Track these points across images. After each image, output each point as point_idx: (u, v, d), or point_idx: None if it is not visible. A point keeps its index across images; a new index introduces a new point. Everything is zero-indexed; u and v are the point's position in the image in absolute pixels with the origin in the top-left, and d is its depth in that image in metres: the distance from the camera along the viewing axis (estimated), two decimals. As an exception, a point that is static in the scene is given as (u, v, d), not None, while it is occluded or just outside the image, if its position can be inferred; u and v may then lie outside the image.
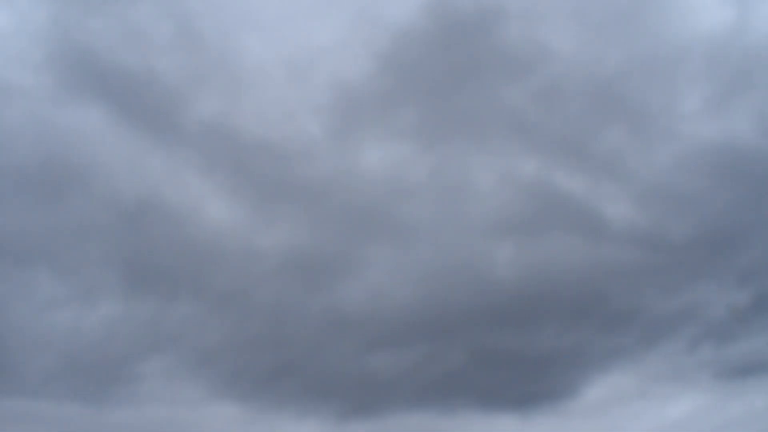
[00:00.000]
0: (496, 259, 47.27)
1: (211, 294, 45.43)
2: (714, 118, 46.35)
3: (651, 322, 46.69)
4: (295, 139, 46.58)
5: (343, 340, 45.98)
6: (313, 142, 46.62)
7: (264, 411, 43.54)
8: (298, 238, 46.60)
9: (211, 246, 45.19)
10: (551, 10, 47.05)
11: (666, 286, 46.39)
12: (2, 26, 41.33)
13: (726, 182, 45.68)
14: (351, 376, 45.15)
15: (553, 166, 47.81)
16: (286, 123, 46.50)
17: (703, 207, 45.94)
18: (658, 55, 47.17)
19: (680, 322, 46.44)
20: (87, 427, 40.57)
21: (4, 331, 40.68)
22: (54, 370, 41.20)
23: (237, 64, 45.40)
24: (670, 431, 43.70)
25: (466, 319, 46.49)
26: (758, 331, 44.09)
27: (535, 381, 46.24)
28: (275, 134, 46.42)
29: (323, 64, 46.23)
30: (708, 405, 44.45)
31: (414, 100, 48.75)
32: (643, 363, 46.50)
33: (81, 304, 43.13)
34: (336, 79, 46.52)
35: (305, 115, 47.00)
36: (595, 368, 46.16)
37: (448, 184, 47.83)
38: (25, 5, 42.20)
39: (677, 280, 46.21)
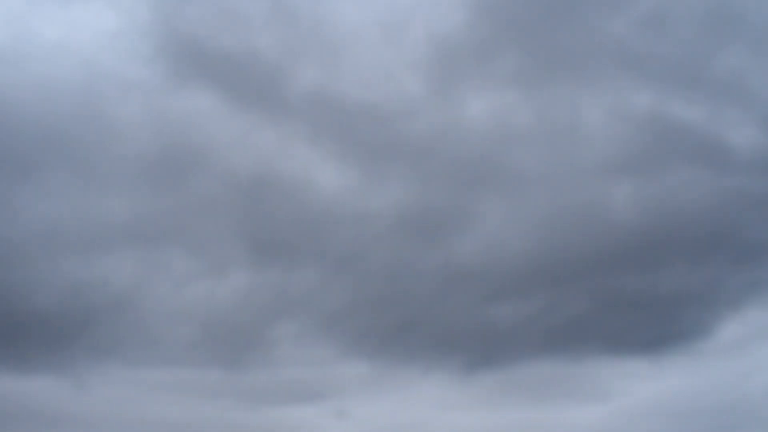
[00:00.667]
0: (614, 200, 45.76)
1: (330, 258, 47.06)
2: None
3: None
4: (396, 98, 46.80)
5: (462, 293, 46.38)
6: (415, 100, 46.65)
7: (391, 367, 45.00)
8: (409, 197, 47.13)
9: (325, 212, 46.68)
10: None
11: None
12: (112, 26, 44.04)
13: None
14: (473, 328, 45.63)
15: (667, 96, 45.38)
16: (386, 83, 46.77)
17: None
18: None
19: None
20: (228, 390, 43.66)
21: (148, 306, 44.23)
22: (194, 340, 44.41)
23: (332, 32, 46.09)
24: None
25: (587, 263, 45.52)
26: None
27: (664, 322, 44.78)
28: (376, 96, 46.81)
29: (416, 19, 46.06)
30: None
31: (512, 45, 47.53)
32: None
33: (213, 277, 46.02)
34: (431, 34, 46.17)
35: (404, 74, 47.02)
36: (728, 305, 43.94)
37: (557, 126, 46.56)
38: (128, 3, 45.02)
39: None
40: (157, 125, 45.08)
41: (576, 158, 46.65)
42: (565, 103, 46.99)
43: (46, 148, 43.18)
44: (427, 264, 47.60)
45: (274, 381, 44.76)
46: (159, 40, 44.54)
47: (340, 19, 46.38)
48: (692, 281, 44.96)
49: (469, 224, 47.61)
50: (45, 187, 43.35)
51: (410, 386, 44.62)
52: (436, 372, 45.25)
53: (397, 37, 47.41)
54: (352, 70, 47.85)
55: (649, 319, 44.96)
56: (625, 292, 45.65)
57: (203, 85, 45.86)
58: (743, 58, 43.70)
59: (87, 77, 43.54)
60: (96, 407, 41.53)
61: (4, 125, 41.99)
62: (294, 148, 47.65)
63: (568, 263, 45.60)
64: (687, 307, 44.56)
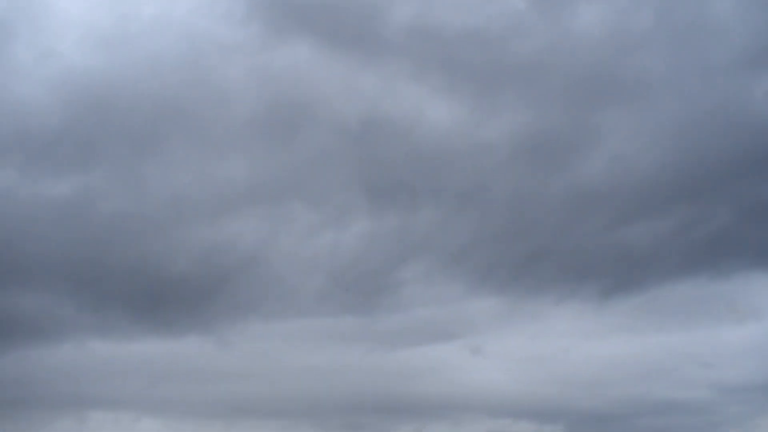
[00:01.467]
0: (754, 97, 41.15)
1: (450, 195, 45.97)
2: None
3: None
4: (499, 19, 44.10)
5: (592, 216, 43.92)
6: (519, 17, 43.79)
7: (522, 299, 43.79)
8: (525, 122, 44.72)
9: (439, 149, 45.36)
10: None
11: None
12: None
13: None
14: (606, 252, 43.22)
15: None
16: (487, 5, 44.21)
17: None
18: None
19: None
20: (363, 335, 44.45)
21: (277, 262, 45.51)
22: (325, 289, 45.29)
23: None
24: None
25: (728, 171, 41.48)
26: None
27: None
28: (478, 19, 44.32)
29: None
30: None
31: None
32: None
33: (335, 226, 46.52)
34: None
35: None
36: None
37: (680, 24, 42.28)
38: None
39: None
40: (262, 84, 45.25)
41: (705, 56, 42.31)
42: (688, -3, 42.75)
43: (162, 121, 44.62)
44: (552, 190, 45.40)
45: (406, 323, 45.04)
46: (251, -1, 44.74)
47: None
48: None
49: (593, 142, 44.68)
50: (167, 159, 45.06)
51: (544, 317, 43.44)
52: (569, 301, 43.63)
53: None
54: (449, -4, 45.85)
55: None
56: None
57: (300, 36, 45.42)
58: None
59: (188, 47, 44.09)
60: (239, 362, 43.73)
61: (121, 104, 43.69)
62: (400, 87, 46.45)
63: (706, 173, 41.89)
64: None
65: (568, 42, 43.85)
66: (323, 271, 46.29)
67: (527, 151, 45.28)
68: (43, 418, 40.82)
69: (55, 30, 42.42)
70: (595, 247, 43.16)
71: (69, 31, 42.67)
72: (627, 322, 41.67)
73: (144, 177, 44.67)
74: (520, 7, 44.12)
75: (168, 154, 45.59)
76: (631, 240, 42.81)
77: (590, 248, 43.20)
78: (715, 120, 41.12)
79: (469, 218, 46.12)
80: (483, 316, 44.05)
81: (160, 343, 43.15)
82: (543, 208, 44.86)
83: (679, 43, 42.02)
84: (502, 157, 45.65)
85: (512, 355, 43.05)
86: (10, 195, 40.76)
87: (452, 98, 46.01)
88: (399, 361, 44.12)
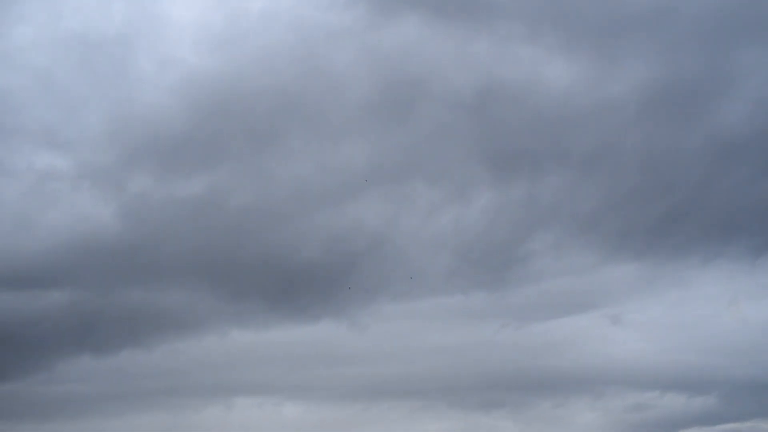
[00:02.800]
0: None
1: (576, 159, 43.55)
2: None
3: None
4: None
5: (736, 168, 39.90)
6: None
7: (663, 264, 40.64)
8: (652, 73, 41.36)
9: (561, 111, 42.99)
10: None
11: None
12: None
13: None
14: (756, 206, 39.08)
15: None
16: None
17: None
18: None
19: None
20: (494, 311, 43.27)
21: (402, 242, 45.20)
22: (452, 267, 44.43)
23: None
24: None
25: None
26: None
27: None
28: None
29: None
30: None
31: None
32: None
33: (458, 202, 45.51)
34: None
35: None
36: None
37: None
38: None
39: None
40: (373, 65, 44.91)
41: None
42: None
43: (280, 114, 45.34)
44: (689, 143, 41.76)
45: (539, 295, 43.22)
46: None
47: None
48: None
49: (731, 87, 40.46)
50: (287, 150, 45.93)
51: (688, 281, 40.06)
52: (717, 262, 39.86)
53: None
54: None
55: None
56: None
57: (406, 13, 44.37)
58: None
59: (297, 38, 44.66)
60: (372, 343, 43.93)
61: (240, 102, 44.81)
62: (514, 50, 44.41)
63: None
64: None
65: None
66: (449, 248, 45.59)
67: (658, 105, 42.02)
68: (193, 405, 43.40)
69: (172, 38, 44.46)
70: (743, 201, 39.30)
71: (185, 37, 44.54)
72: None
73: (267, 170, 45.96)
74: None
75: (288, 145, 46.59)
76: (784, 190, 38.72)
77: (737, 203, 39.43)
78: None
79: (598, 181, 43.58)
80: (621, 283, 41.60)
81: (295, 329, 44.44)
82: (680, 164, 41.54)
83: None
84: (631, 114, 42.64)
85: (655, 324, 40.47)
86: (147, 199, 43.19)
87: (570, 56, 43.38)
88: (534, 335, 42.72)
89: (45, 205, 42.41)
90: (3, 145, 40.81)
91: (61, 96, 42.36)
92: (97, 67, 42.97)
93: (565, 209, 43.54)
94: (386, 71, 44.94)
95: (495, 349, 42.74)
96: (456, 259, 45.18)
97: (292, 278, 45.46)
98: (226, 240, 45.25)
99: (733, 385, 37.93)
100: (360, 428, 43.32)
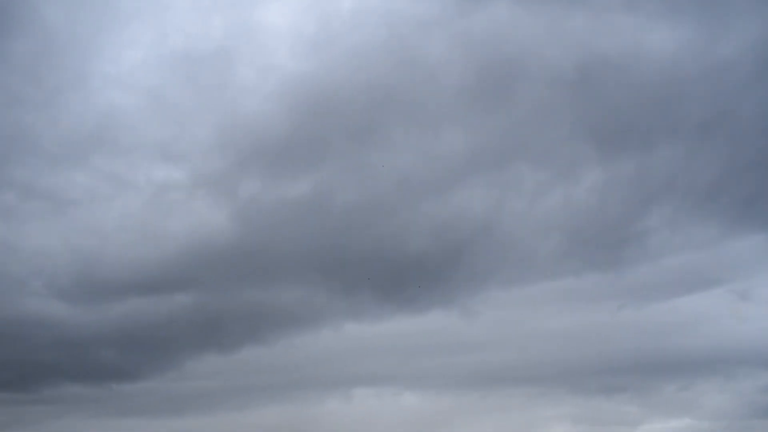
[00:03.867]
0: None
1: (689, 127, 41.05)
2: None
3: None
4: None
5: None
6: None
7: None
8: (764, 30, 38.19)
9: (669, 79, 40.57)
10: None
11: None
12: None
13: None
14: None
15: None
16: None
17: None
18: None
19: None
20: (610, 292, 41.61)
21: (509, 227, 44.25)
22: (563, 249, 43.08)
23: None
24: None
25: None
26: None
27: None
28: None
29: None
30: None
31: None
32: None
33: (565, 182, 44.05)
34: None
35: None
36: None
37: None
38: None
39: None
40: (467, 51, 44.14)
41: None
42: None
43: (378, 109, 45.41)
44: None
45: (657, 274, 41.15)
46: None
47: None
48: None
49: None
50: (388, 143, 46.12)
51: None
52: None
53: None
54: None
55: None
56: None
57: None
58: None
59: (389, 32, 44.26)
60: (485, 331, 43.49)
61: (339, 101, 45.03)
62: (613, 21, 42.41)
63: None
64: None
65: None
66: (559, 229, 44.20)
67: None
68: (314, 397, 44.87)
69: (268, 46, 45.70)
70: None
71: (280, 44, 45.74)
72: None
73: (370, 165, 46.44)
74: None
75: (388, 138, 46.77)
76: None
77: None
78: None
79: (715, 150, 40.83)
80: (747, 256, 38.77)
81: (407, 319, 44.67)
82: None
83: None
84: (745, 76, 39.59)
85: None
86: (257, 202, 44.93)
87: (673, 21, 40.88)
88: (654, 315, 40.77)
89: (165, 215, 45.14)
90: (123, 161, 43.73)
91: (171, 112, 44.62)
92: (202, 81, 45.00)
93: (681, 181, 41.23)
94: (480, 55, 44.14)
95: (613, 331, 41.24)
96: (567, 240, 43.90)
97: (401, 269, 45.89)
98: (335, 236, 46.30)
99: None
100: (479, 416, 43.21)
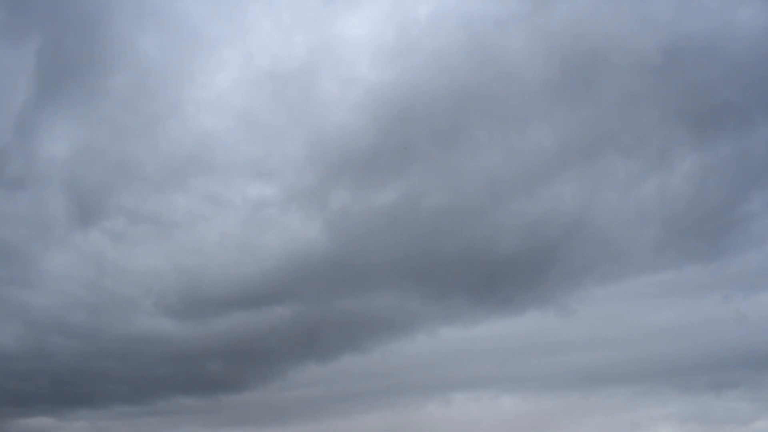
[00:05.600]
0: None
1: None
2: None
3: None
4: None
5: None
6: None
7: None
8: None
9: (761, 55, 38.10)
10: None
11: None
12: None
13: None
14: None
15: None
16: None
17: None
18: None
19: None
20: (713, 283, 39.50)
21: (603, 221, 42.88)
22: (660, 240, 41.36)
23: None
24: None
25: None
26: None
27: None
28: None
29: None
30: None
31: None
32: None
33: (659, 171, 42.32)
34: None
35: None
36: None
37: None
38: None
39: None
40: (547, 45, 43.34)
41: None
42: None
43: (462, 112, 45.34)
44: None
45: (764, 260, 38.55)
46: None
47: None
48: None
49: None
50: (474, 145, 45.78)
51: None
52: None
53: None
54: None
55: None
56: None
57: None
58: None
59: (467, 33, 44.23)
60: (583, 329, 42.30)
61: (421, 107, 45.38)
62: (697, 1, 40.75)
63: None
64: None
65: None
66: (656, 220, 42.56)
67: None
68: (413, 403, 45.05)
69: (349, 58, 46.70)
70: None
71: (361, 55, 46.66)
72: None
73: (457, 167, 46.46)
74: None
75: (474, 140, 46.62)
76: None
77: None
78: None
79: (821, 124, 38.22)
80: None
81: (503, 321, 44.26)
82: None
83: None
84: None
85: None
86: (347, 212, 45.83)
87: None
88: (763, 305, 38.27)
89: (261, 231, 46.95)
90: (219, 180, 45.78)
91: (261, 130, 46.46)
92: (288, 98, 46.63)
93: (783, 161, 38.86)
94: (561, 49, 43.18)
95: (720, 324, 39.01)
96: (664, 231, 42.16)
97: (493, 271, 45.47)
98: (426, 241, 46.45)
99: None
100: (581, 417, 42.01)
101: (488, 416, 43.04)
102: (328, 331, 47.27)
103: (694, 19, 40.44)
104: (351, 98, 46.99)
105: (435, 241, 46.20)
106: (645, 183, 42.65)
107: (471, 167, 46.55)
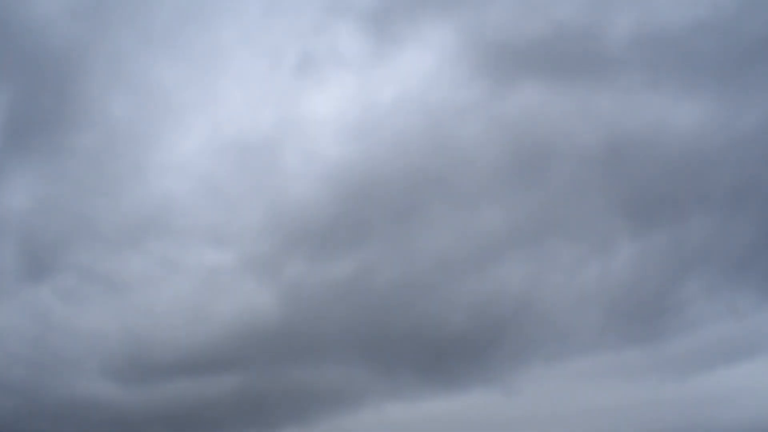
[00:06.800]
0: None
1: (719, 197, 41.65)
2: None
3: None
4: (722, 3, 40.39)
5: None
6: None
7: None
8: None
9: (695, 151, 41.78)
10: None
11: None
12: (431, 65, 47.33)
13: None
14: None
15: None
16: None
17: None
18: None
19: None
20: (649, 366, 41.00)
21: (548, 301, 44.61)
22: (601, 323, 43.03)
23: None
24: None
25: None
26: None
27: None
28: (705, 8, 41.01)
29: None
30: None
31: None
32: None
33: (602, 256, 44.58)
34: None
35: None
36: None
37: None
38: (437, 39, 48.05)
39: None
40: (501, 134, 46.34)
41: None
42: None
43: (418, 192, 47.43)
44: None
45: (698, 344, 40.65)
46: (471, 59, 46.47)
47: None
48: None
49: None
50: (428, 224, 47.67)
51: None
52: None
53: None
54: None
55: None
56: None
57: (526, 79, 45.99)
58: None
59: (427, 118, 47.22)
60: (526, 408, 42.96)
61: (380, 185, 47.68)
62: (637, 100, 44.29)
63: None
64: None
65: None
66: (597, 303, 44.41)
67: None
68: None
69: (314, 134, 48.88)
70: None
71: (326, 132, 48.86)
72: None
73: (410, 244, 47.98)
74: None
75: (428, 220, 48.46)
76: None
77: None
78: None
79: (747, 216, 41.23)
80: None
81: (449, 398, 44.53)
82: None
83: None
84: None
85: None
86: (301, 283, 46.65)
87: (695, 97, 42.56)
88: (698, 387, 39.78)
89: (214, 297, 47.10)
90: (176, 244, 46.32)
91: (222, 197, 47.63)
92: (252, 168, 48.22)
93: (716, 251, 41.47)
94: (514, 137, 46.24)
95: (657, 405, 40.33)
96: (605, 314, 43.95)
97: (441, 348, 46.23)
98: (377, 316, 47.22)
99: None
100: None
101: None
102: (274, 402, 46.92)
103: (634, 117, 44.13)
104: (313, 172, 48.97)
105: (386, 316, 47.06)
106: (588, 267, 44.88)
107: (424, 245, 48.26)
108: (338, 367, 47.22)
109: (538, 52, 45.09)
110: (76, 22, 47.03)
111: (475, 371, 44.77)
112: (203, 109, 47.47)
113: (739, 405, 38.80)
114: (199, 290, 47.22)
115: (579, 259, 44.58)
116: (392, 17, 46.41)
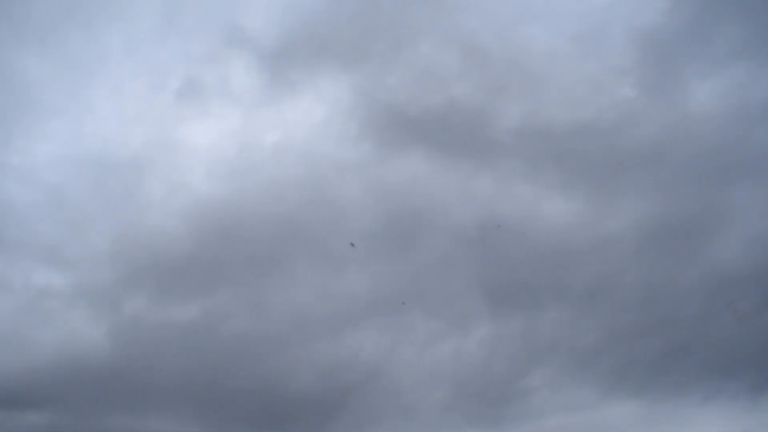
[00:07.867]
0: None
1: (575, 294, 43.41)
2: None
3: None
4: (610, 109, 43.27)
5: (734, 304, 39.72)
6: (631, 105, 42.76)
7: (661, 401, 39.16)
8: (648, 210, 42.32)
9: (560, 246, 43.60)
10: None
11: None
12: (319, 118, 46.62)
13: None
14: (755, 343, 38.38)
15: None
16: (596, 96, 43.62)
17: None
18: None
19: None
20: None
21: (397, 374, 43.96)
22: (447, 401, 42.84)
23: (526, 59, 44.53)
24: None
25: None
26: None
27: None
28: (588, 112, 43.76)
29: (613, 21, 42.70)
30: None
31: (731, 18, 41.85)
32: None
33: (456, 334, 44.83)
34: (632, 30, 42.31)
35: (612, 81, 43.64)
36: None
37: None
38: (331, 93, 47.54)
39: None
40: (378, 198, 46.26)
41: None
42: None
43: (283, 243, 46.06)
44: (687, 280, 41.75)
45: (538, 432, 41.66)
46: (362, 118, 46.59)
47: (532, 44, 44.92)
48: None
49: (726, 224, 41.29)
50: (288, 278, 46.08)
51: (687, 420, 38.13)
52: (716, 400, 38.44)
53: (596, 46, 44.60)
54: (556, 92, 45.59)
55: None
56: None
57: (412, 149, 46.56)
58: None
59: (307, 170, 46.43)
60: (363, 482, 41.74)
61: (245, 229, 45.84)
62: (514, 187, 45.96)
63: None
64: None
65: (685, 123, 42.20)
66: (446, 381, 44.27)
67: (655, 241, 42.60)
68: None
69: (185, 164, 46.19)
70: (742, 338, 38.71)
71: (198, 165, 46.35)
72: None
73: (266, 297, 45.86)
74: (629, 95, 43.39)
75: (289, 273, 46.74)
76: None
77: (735, 340, 38.79)
78: None
79: (597, 317, 43.11)
80: (619, 421, 39.70)
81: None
82: (678, 300, 41.30)
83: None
84: (628, 250, 43.12)
85: (658, 464, 38.41)
86: (141, 321, 42.85)
87: (568, 194, 44.76)
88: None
89: (37, 323, 42.06)
90: (4, 258, 41.30)
91: (69, 214, 43.39)
92: (110, 188, 44.46)
93: (564, 344, 42.85)
94: (390, 204, 46.31)
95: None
96: (452, 393, 43.85)
97: (284, 407, 43.82)
98: (219, 367, 44.10)
99: None
100: None
101: None
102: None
103: (508, 204, 45.57)
104: (175, 203, 45.94)
105: (229, 369, 44.04)
106: (442, 344, 44.85)
107: (281, 299, 46.27)
108: (166, 419, 43.21)
109: (429, 123, 45.95)
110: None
111: (315, 436, 43.03)
112: (68, 116, 43.57)
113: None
114: (21, 312, 42.21)
115: (434, 334, 44.54)
116: (291, 60, 45.64)
